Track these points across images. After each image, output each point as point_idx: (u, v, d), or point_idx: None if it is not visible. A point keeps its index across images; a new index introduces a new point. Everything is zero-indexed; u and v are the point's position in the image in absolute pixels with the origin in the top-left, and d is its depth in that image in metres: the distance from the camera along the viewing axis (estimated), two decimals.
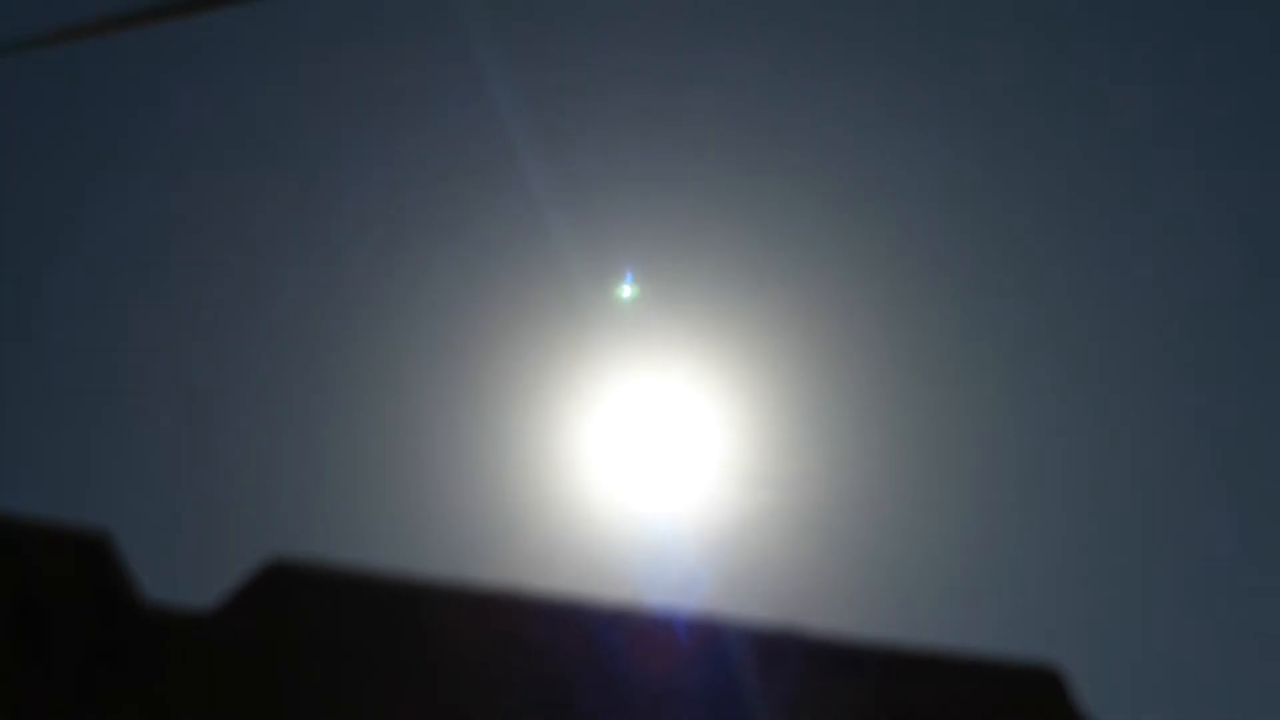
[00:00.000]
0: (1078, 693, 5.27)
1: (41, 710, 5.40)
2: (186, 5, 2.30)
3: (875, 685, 5.42)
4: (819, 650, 5.28)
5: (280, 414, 13.65)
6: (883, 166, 13.26)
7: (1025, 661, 5.41)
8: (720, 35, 12.71)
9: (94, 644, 5.27)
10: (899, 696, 5.46)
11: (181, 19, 2.35)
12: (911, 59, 13.23)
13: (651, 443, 11.70)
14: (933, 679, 5.60)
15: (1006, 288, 13.53)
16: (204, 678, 5.24)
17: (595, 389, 12.12)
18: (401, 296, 13.45)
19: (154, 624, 5.08)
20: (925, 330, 13.41)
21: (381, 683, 5.40)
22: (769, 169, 13.11)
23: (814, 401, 12.69)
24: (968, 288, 13.61)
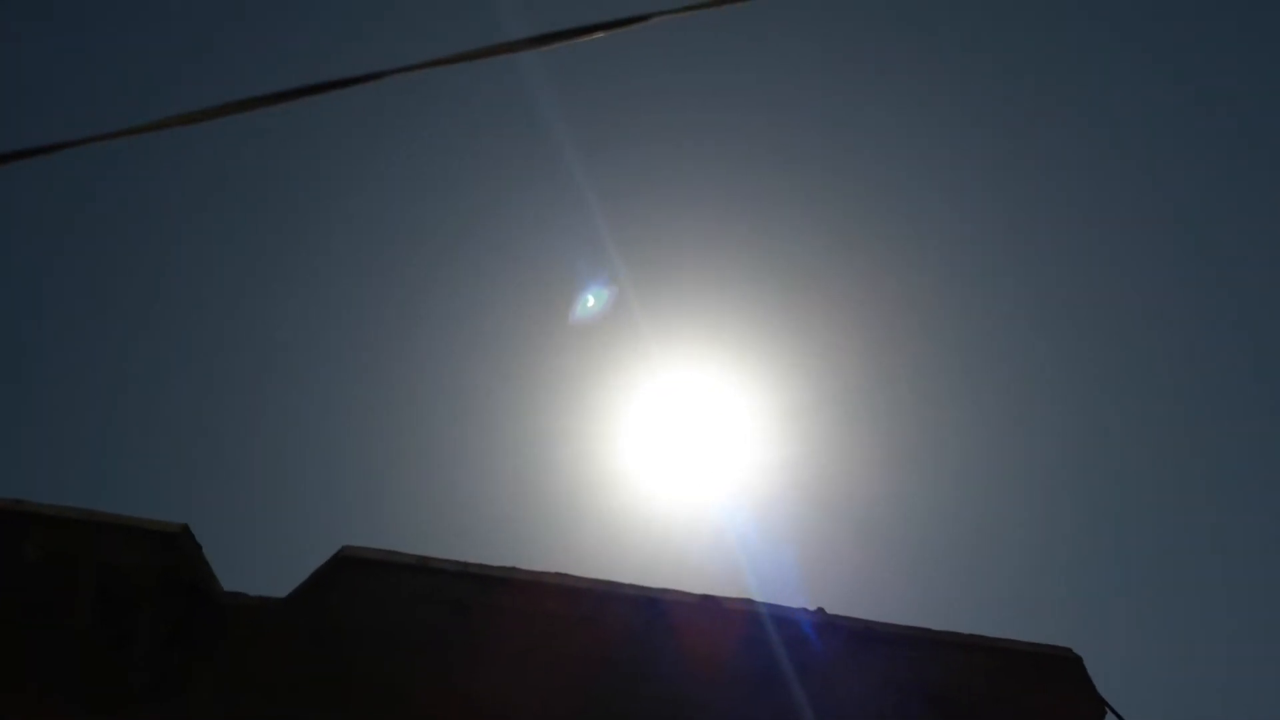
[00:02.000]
0: (1094, 675, 5.50)
1: (124, 691, 5.79)
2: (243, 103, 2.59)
3: (907, 666, 5.67)
4: (854, 633, 5.55)
5: (344, 418, 14.01)
6: (889, 166, 13.40)
7: (1046, 646, 5.65)
8: (722, 38, 12.87)
9: (173, 631, 5.62)
10: (929, 676, 5.70)
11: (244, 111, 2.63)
12: (912, 59, 13.34)
13: (690, 433, 11.89)
14: (960, 661, 5.86)
15: (1024, 278, 13.62)
16: (277, 661, 5.61)
17: (631, 387, 12.35)
18: (436, 303, 13.73)
19: (230, 612, 5.38)
20: (946, 330, 13.55)
21: (440, 663, 5.71)
22: (790, 171, 13.27)
23: (848, 396, 12.86)
24: (983, 281, 13.72)
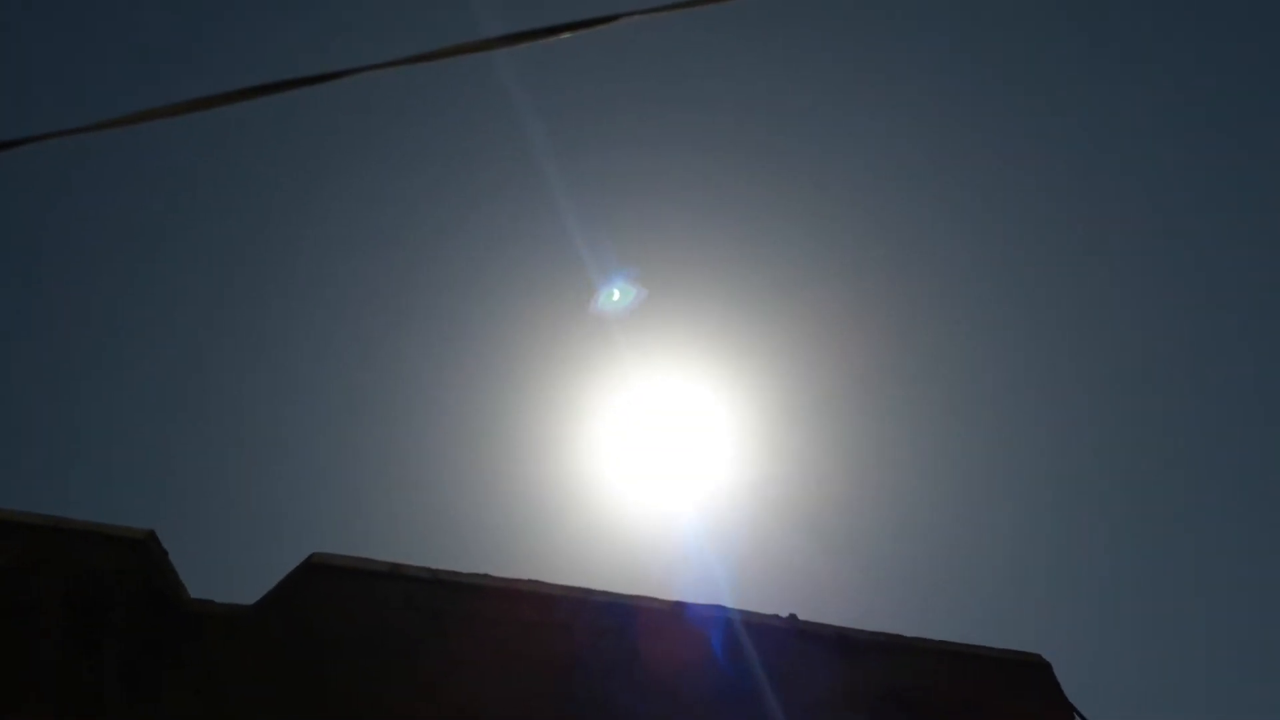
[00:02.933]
0: (1062, 681, 5.54)
1: (92, 699, 5.73)
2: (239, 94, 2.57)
3: (876, 672, 5.68)
4: (826, 639, 5.56)
5: (311, 422, 13.91)
6: (884, 169, 13.47)
7: (1014, 652, 5.69)
8: (721, 39, 12.91)
9: (142, 637, 5.57)
10: (901, 682, 5.72)
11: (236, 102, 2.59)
12: (912, 60, 13.42)
13: (663, 441, 11.90)
14: (931, 667, 5.88)
15: (1004, 287, 13.72)
16: (248, 669, 5.56)
17: (608, 391, 12.34)
18: (416, 303, 13.68)
19: (198, 618, 5.33)
20: (924, 333, 13.63)
21: (412, 670, 5.69)
22: (776, 175, 13.32)
23: (819, 403, 12.91)
24: (964, 287, 13.82)
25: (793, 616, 5.84)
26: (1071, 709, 5.77)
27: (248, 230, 14.38)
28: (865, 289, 13.46)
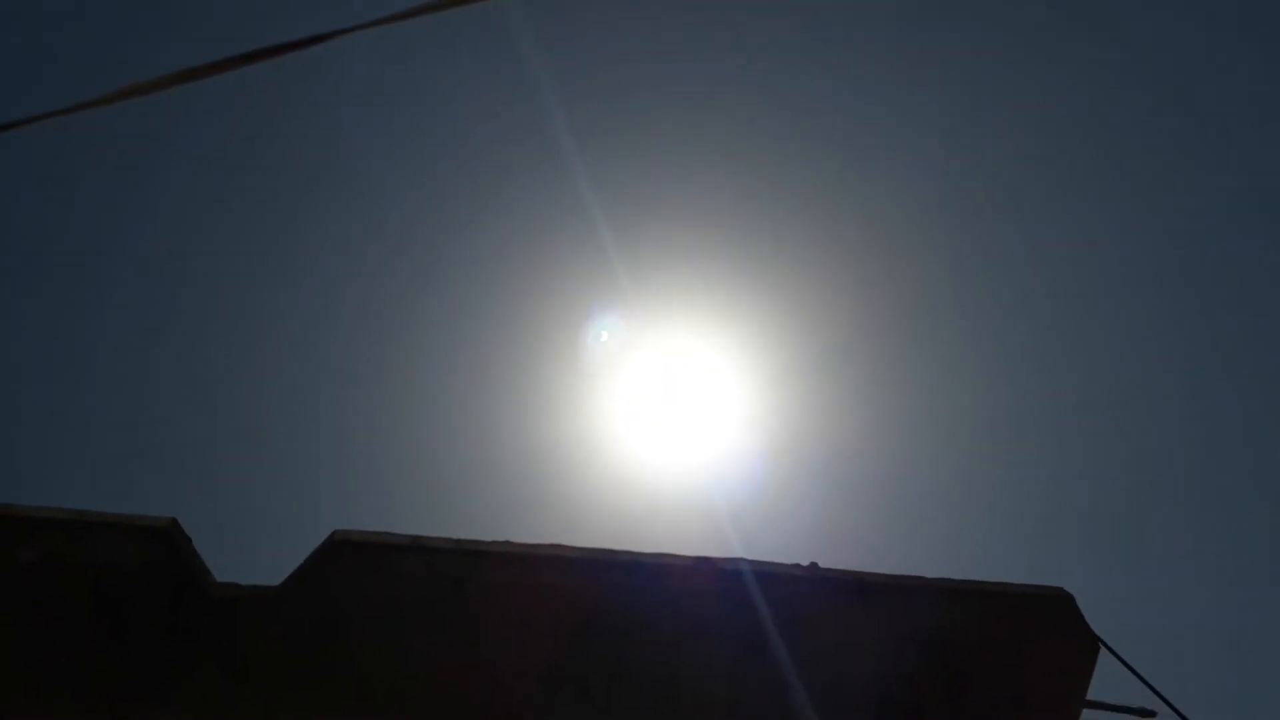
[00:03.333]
0: (1086, 614, 5.55)
1: (123, 688, 5.82)
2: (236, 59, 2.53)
3: (901, 615, 5.72)
4: (846, 585, 5.60)
5: (323, 399, 13.97)
6: (886, 162, 13.41)
7: (1036, 587, 5.71)
8: (722, 40, 12.83)
9: (169, 624, 5.64)
10: (923, 624, 5.76)
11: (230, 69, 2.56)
12: (913, 62, 13.32)
13: (674, 399, 11.93)
14: (953, 607, 5.92)
15: (1013, 254, 13.68)
16: (276, 650, 5.62)
17: (615, 355, 12.36)
18: (419, 280, 13.69)
19: (225, 602, 5.39)
20: (930, 280, 13.60)
21: (438, 639, 5.76)
22: (776, 152, 13.26)
23: (830, 355, 12.92)
24: (971, 261, 13.79)
25: (813, 565, 5.87)
26: (1098, 641, 5.80)
27: (244, 213, 14.36)
28: (873, 241, 13.44)
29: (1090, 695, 6.07)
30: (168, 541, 5.42)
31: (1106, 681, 6.06)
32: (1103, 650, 5.91)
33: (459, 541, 5.48)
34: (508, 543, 5.56)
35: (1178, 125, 13.90)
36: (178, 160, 14.00)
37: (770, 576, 5.77)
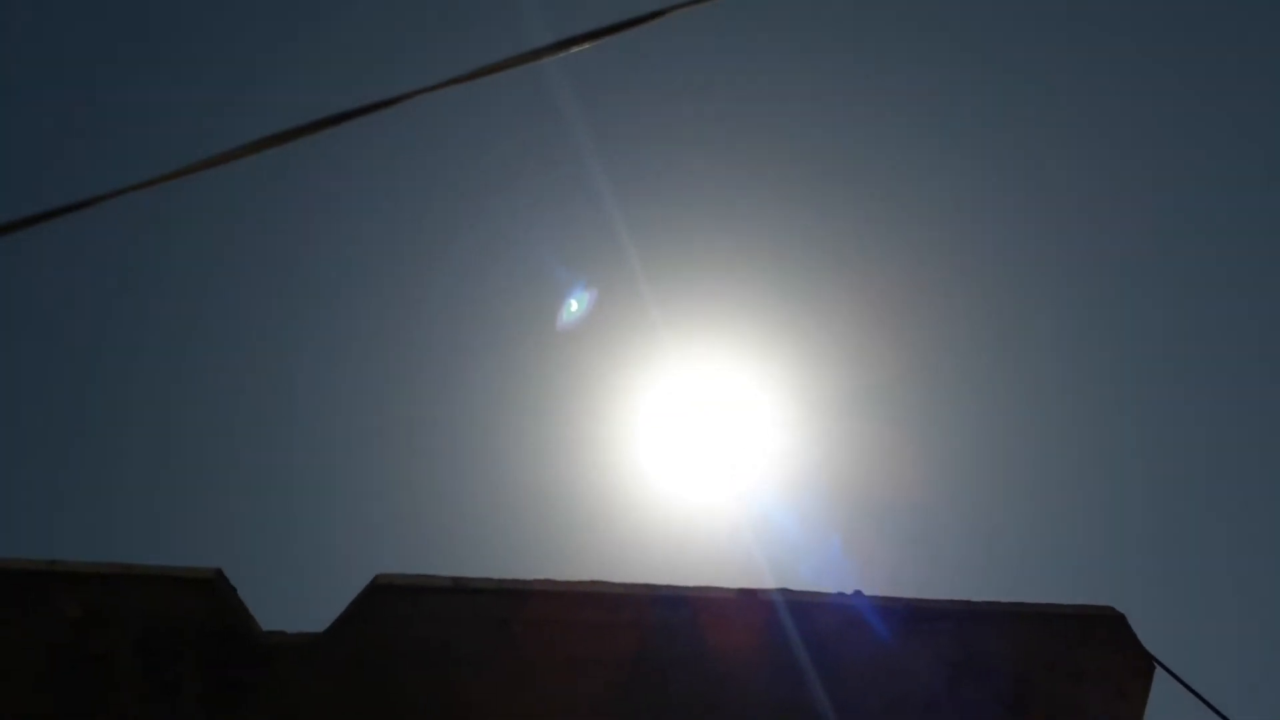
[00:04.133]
0: (1139, 633, 5.44)
1: None
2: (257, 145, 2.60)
3: (952, 641, 5.63)
4: (896, 613, 5.52)
5: (352, 444, 14.02)
6: (902, 162, 13.39)
7: (1087, 607, 5.61)
8: (722, 40, 12.88)
9: (217, 675, 5.64)
10: (975, 649, 5.67)
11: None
12: (913, 62, 13.33)
13: (708, 431, 11.88)
14: (1005, 631, 5.82)
15: (1039, 268, 13.58)
16: (323, 696, 5.61)
17: (645, 385, 12.34)
18: (442, 308, 13.74)
19: (272, 650, 5.38)
20: (961, 321, 13.51)
21: (484, 681, 5.72)
22: (804, 164, 13.27)
23: (866, 387, 12.84)
24: (997, 273, 13.70)
25: (858, 593, 5.81)
26: (1152, 659, 5.69)
27: (261, 243, 14.50)
28: (917, 271, 13.39)
29: (1148, 717, 5.96)
30: (213, 592, 5.43)
31: (1165, 701, 5.94)
32: (1159, 670, 5.80)
33: (501, 581, 5.46)
34: (549, 580, 5.54)
35: (1191, 123, 13.78)
36: (207, 227, 14.20)
37: (815, 606, 5.70)
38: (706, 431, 11.99)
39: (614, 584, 5.56)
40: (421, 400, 14.36)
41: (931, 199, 13.75)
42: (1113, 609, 5.72)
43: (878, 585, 5.88)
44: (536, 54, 2.90)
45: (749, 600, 5.61)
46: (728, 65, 13.55)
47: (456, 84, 2.91)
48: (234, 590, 5.53)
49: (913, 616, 5.69)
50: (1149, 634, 5.77)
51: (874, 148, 13.85)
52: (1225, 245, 14.08)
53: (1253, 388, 14.09)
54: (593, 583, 5.58)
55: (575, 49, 2.92)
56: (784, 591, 5.74)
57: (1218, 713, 5.94)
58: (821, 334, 12.79)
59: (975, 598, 5.82)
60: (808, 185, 13.65)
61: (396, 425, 14.26)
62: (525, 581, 5.53)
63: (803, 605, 5.70)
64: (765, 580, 5.82)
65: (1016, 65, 13.88)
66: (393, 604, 5.45)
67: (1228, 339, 14.25)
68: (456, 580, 5.45)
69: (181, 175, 2.88)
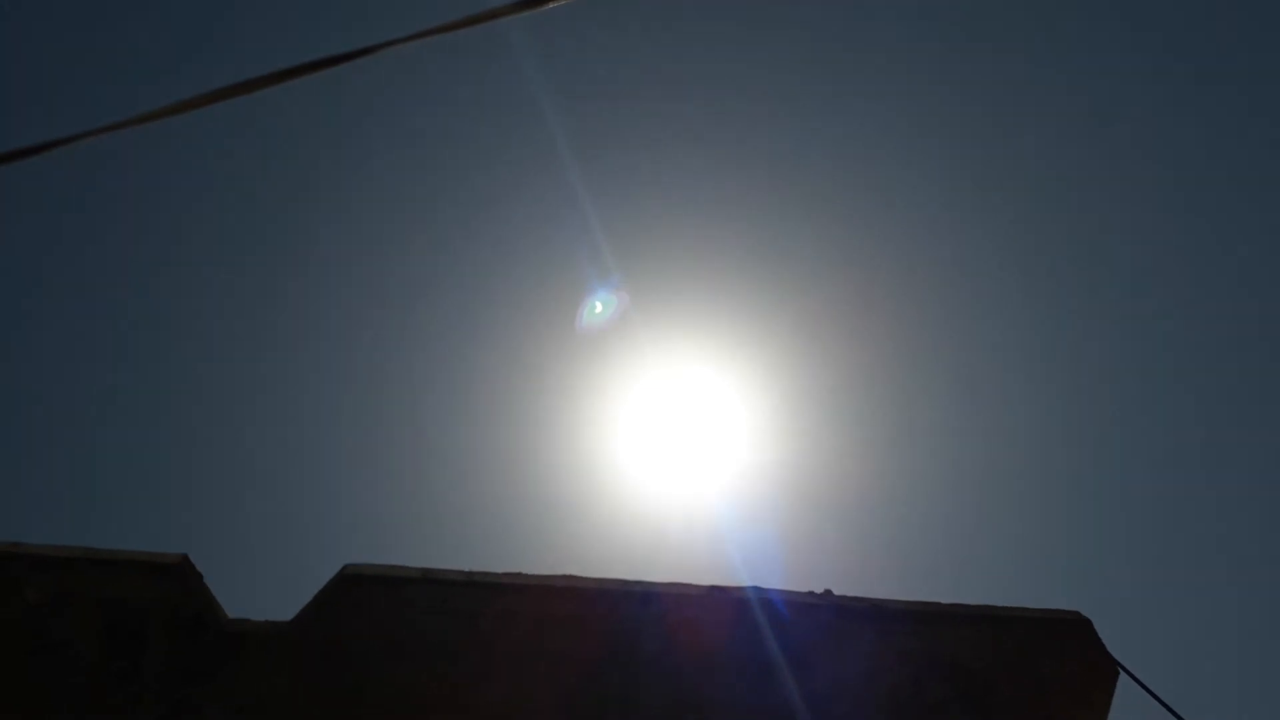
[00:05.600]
0: (1103, 637, 5.48)
1: None
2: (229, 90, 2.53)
3: (918, 642, 5.65)
4: (863, 613, 5.53)
5: (321, 431, 13.91)
6: (881, 165, 13.43)
7: (1052, 611, 5.64)
8: (722, 41, 12.87)
9: (182, 661, 5.57)
10: (940, 651, 5.69)
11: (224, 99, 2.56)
12: (911, 62, 13.37)
13: (682, 429, 11.88)
14: (970, 633, 5.84)
15: (1008, 272, 13.67)
16: (289, 684, 5.56)
17: (625, 383, 12.32)
18: (425, 305, 13.67)
19: (238, 638, 5.33)
20: (934, 313, 13.58)
21: (452, 674, 5.68)
22: (782, 170, 13.29)
23: (837, 388, 12.88)
24: (969, 277, 13.78)
25: (828, 592, 5.82)
26: (1116, 664, 5.74)
27: (245, 233, 14.36)
28: (876, 271, 13.44)
29: None
30: (179, 578, 5.37)
31: (1127, 705, 5.99)
32: (1122, 675, 5.85)
33: (471, 574, 5.43)
34: (520, 574, 5.51)
35: (1188, 123, 13.89)
36: (189, 186, 14.03)
37: (786, 604, 5.71)
38: (680, 429, 11.98)
39: (585, 579, 5.54)
40: (392, 391, 14.29)
41: (903, 197, 13.81)
42: (1078, 613, 5.76)
43: (847, 585, 5.90)
44: (498, 12, 2.85)
45: (719, 597, 5.61)
46: (705, 63, 13.54)
47: (422, 38, 2.86)
48: (200, 576, 5.47)
49: (880, 617, 5.71)
50: (1113, 638, 5.82)
51: (849, 144, 13.89)
52: (1186, 237, 14.22)
53: (1217, 389, 14.26)
54: (563, 577, 5.56)
55: (546, 5, 2.87)
56: (754, 589, 5.74)
57: (1178, 716, 6.00)
58: (794, 333, 12.82)
59: (944, 599, 5.85)
60: (780, 184, 13.67)
61: (367, 415, 14.18)
62: (495, 575, 5.50)
63: (772, 603, 5.71)
64: (736, 577, 5.83)
65: (985, 56, 13.95)
66: (361, 594, 5.40)
67: (1191, 339, 14.41)
68: (426, 572, 5.42)
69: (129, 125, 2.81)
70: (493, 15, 2.83)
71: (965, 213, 13.91)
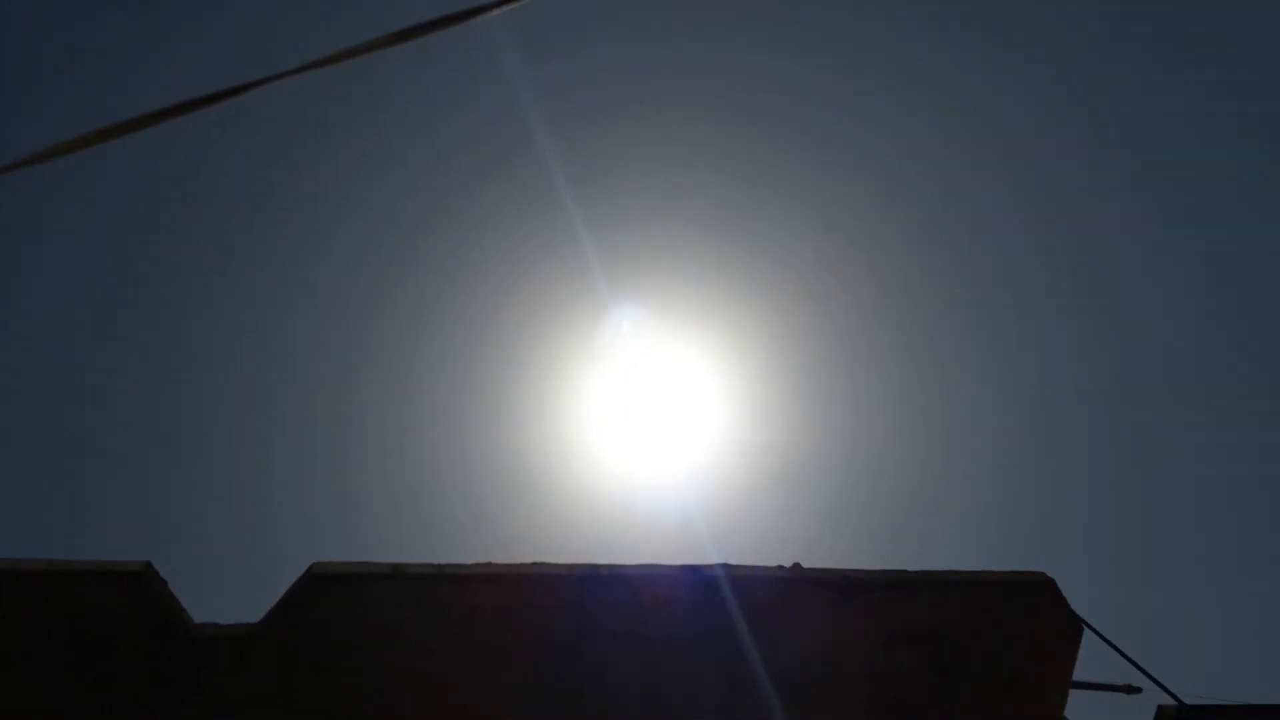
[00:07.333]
0: (1068, 597, 5.58)
1: None
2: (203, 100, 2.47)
3: (886, 611, 5.72)
4: (830, 584, 5.59)
5: (285, 426, 13.76)
6: (876, 162, 13.49)
7: (1019, 573, 5.73)
8: (722, 36, 12.83)
9: (150, 668, 5.51)
10: (909, 618, 5.77)
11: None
12: (909, 60, 13.41)
13: (651, 411, 11.91)
14: (937, 599, 5.93)
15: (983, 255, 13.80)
16: (261, 686, 5.51)
17: (591, 367, 12.31)
18: (389, 306, 13.55)
19: (205, 642, 5.28)
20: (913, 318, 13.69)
21: (426, 668, 5.67)
22: (757, 155, 13.29)
23: (805, 367, 12.96)
24: (941, 266, 13.90)
25: (796, 565, 5.87)
26: (1081, 622, 5.85)
27: (213, 231, 14.14)
28: (844, 254, 13.51)
29: (1076, 676, 6.13)
30: (142, 585, 5.31)
31: (1091, 662, 6.12)
32: (1086, 631, 5.96)
33: (440, 566, 5.41)
34: (489, 564, 5.50)
35: (1181, 124, 14.08)
36: (160, 178, 13.77)
37: (753, 580, 5.75)
38: (646, 409, 12.01)
39: (554, 565, 5.55)
40: (356, 382, 14.16)
41: (876, 183, 13.88)
42: (1043, 574, 5.86)
43: (815, 558, 5.95)
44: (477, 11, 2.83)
45: (690, 576, 5.64)
46: (685, 48, 13.50)
47: (393, 44, 2.83)
48: (164, 583, 5.41)
49: (847, 588, 5.78)
50: (1077, 598, 5.93)
51: (828, 133, 13.93)
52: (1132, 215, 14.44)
53: (1184, 355, 14.52)
54: (533, 565, 5.56)
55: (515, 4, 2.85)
56: (723, 566, 5.78)
57: (1142, 670, 6.15)
58: (762, 311, 12.87)
59: (910, 567, 5.93)
60: (753, 168, 13.68)
61: (329, 409, 14.04)
62: (465, 566, 5.49)
63: (741, 580, 5.75)
64: (706, 555, 5.86)
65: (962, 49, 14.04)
66: (330, 592, 5.37)
67: (1154, 304, 14.65)
68: (395, 567, 5.39)
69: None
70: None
71: (933, 181, 14.00)
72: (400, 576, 5.35)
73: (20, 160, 2.73)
